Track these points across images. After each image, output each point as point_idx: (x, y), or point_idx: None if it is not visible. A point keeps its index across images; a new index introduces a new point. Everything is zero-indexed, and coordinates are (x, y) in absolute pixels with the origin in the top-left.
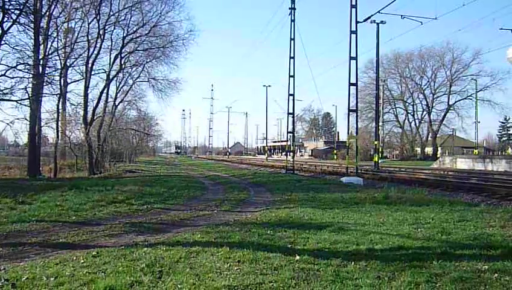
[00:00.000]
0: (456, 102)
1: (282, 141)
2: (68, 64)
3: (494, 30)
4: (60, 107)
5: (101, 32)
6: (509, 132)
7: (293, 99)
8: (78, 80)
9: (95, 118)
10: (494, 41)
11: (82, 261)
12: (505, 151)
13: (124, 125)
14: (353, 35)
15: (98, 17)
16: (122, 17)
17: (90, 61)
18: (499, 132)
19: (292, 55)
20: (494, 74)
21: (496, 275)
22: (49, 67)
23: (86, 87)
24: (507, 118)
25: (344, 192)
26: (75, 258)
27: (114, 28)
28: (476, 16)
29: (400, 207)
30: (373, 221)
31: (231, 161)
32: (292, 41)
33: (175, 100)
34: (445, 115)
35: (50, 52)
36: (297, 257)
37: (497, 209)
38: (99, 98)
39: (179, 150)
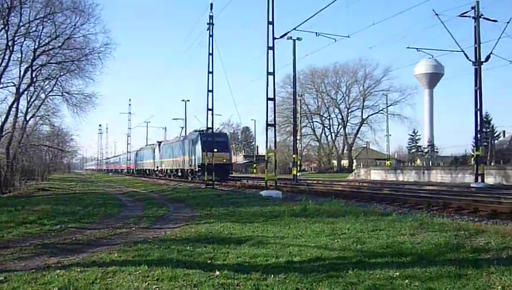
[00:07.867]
0: (369, 116)
1: None
2: None
3: (403, 48)
4: None
5: (9, 44)
6: (417, 144)
7: (212, 114)
8: None
9: (3, 134)
10: (403, 58)
11: None
12: (414, 162)
13: (36, 142)
14: (270, 51)
15: (6, 28)
16: (33, 29)
17: None
18: (409, 144)
19: (211, 70)
20: (403, 90)
21: (407, 281)
22: None
23: None
24: (415, 131)
25: (263, 206)
26: None
27: (24, 40)
28: (385, 35)
29: (318, 219)
30: (292, 233)
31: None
32: (210, 56)
33: (92, 115)
34: (359, 128)
35: None
36: (217, 273)
37: (407, 218)
38: (8, 113)
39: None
